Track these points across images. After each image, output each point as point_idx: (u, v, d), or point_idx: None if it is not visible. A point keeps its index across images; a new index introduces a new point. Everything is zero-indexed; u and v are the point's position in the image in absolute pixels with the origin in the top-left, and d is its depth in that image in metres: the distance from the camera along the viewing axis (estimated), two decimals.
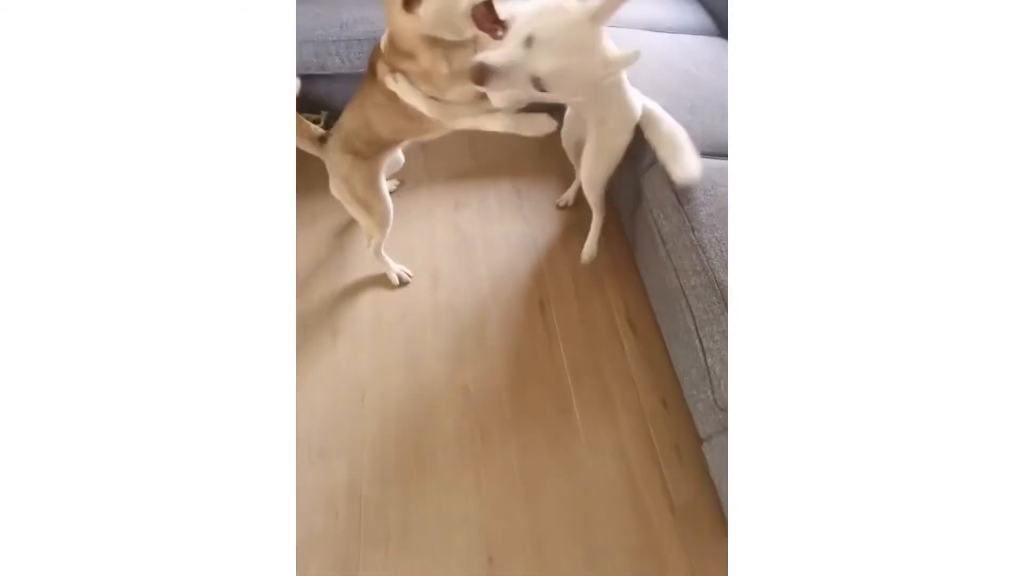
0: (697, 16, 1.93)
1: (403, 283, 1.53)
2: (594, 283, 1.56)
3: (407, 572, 1.07)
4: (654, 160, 1.33)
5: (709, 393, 1.14)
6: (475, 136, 1.89)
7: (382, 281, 1.54)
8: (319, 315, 1.46)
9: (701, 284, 1.13)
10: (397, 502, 1.16)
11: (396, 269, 1.52)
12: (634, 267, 1.60)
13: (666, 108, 1.31)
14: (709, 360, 1.08)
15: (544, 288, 1.56)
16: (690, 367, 1.24)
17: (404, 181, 1.79)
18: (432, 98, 1.04)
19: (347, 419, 1.28)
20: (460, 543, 1.11)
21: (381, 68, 1.06)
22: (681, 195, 1.23)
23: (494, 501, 1.17)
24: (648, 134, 1.27)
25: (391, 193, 1.73)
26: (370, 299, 1.51)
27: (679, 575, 1.09)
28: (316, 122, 1.57)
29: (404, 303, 1.50)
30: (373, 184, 1.28)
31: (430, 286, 1.54)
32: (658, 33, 1.78)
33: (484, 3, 0.82)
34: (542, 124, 1.03)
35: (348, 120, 1.21)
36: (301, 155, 1.07)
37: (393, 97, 1.07)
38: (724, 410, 1.09)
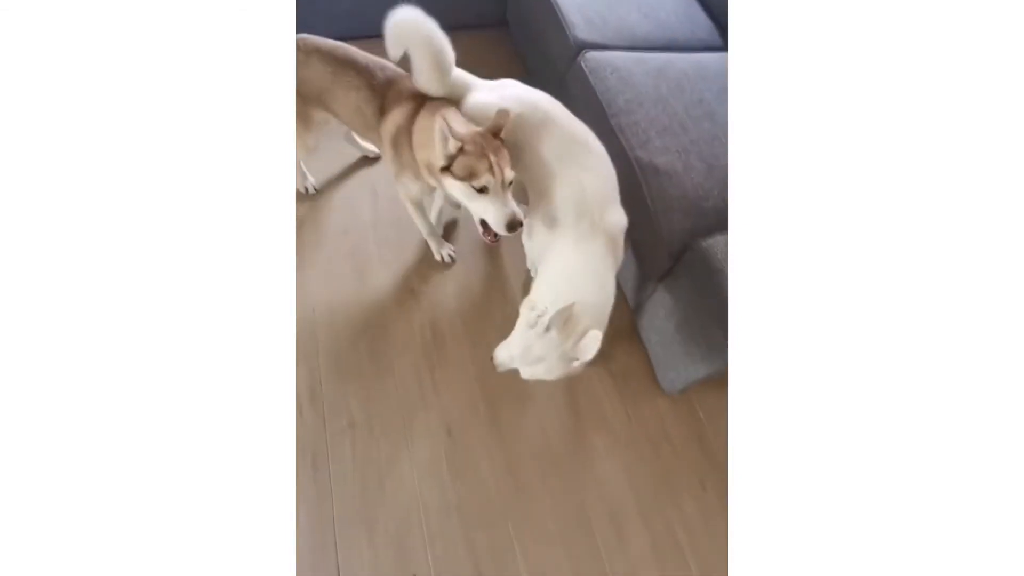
0: None
1: (308, 192, 1.55)
2: None
3: (375, 454, 1.16)
4: (573, 58, 1.38)
5: (635, 267, 1.26)
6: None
7: (320, 202, 1.54)
8: None
9: (623, 166, 1.21)
10: (357, 396, 1.23)
11: (309, 181, 1.54)
12: None
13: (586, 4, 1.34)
14: (634, 235, 1.19)
15: None
16: None
17: None
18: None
19: (300, 331, 1.31)
20: (420, 423, 1.21)
21: (398, 107, 1.09)
22: (599, 89, 1.29)
23: (448, 385, 1.26)
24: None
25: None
26: (308, 219, 1.51)
27: (618, 422, 1.24)
28: None
29: (345, 219, 1.52)
30: (308, 125, 1.26)
31: (370, 202, 1.56)
32: None
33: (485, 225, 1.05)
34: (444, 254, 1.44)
35: (315, 71, 1.13)
36: None
37: (364, 88, 1.10)
38: (649, 278, 1.21)
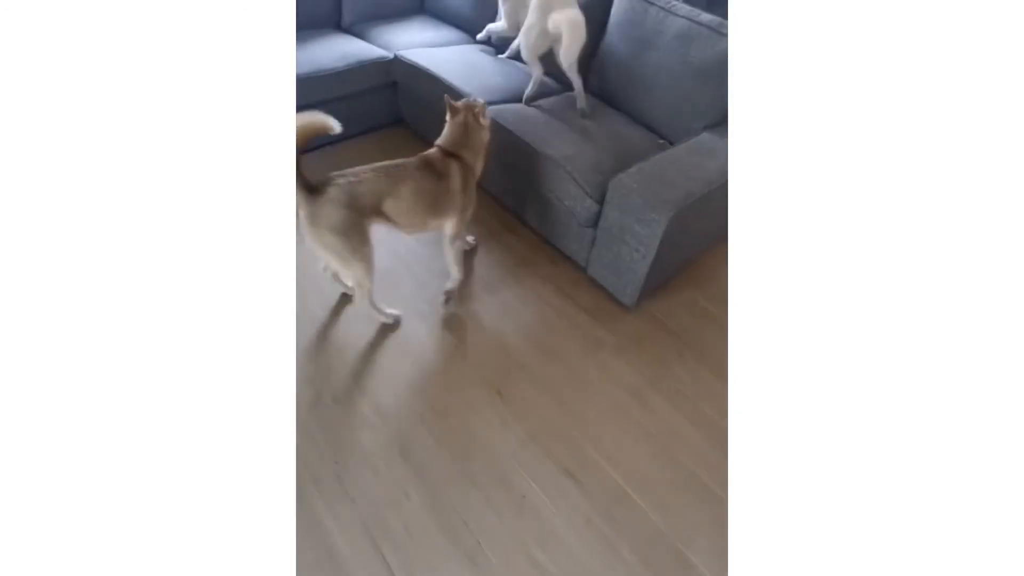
0: None
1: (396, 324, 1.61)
2: None
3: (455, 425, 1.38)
4: None
5: (574, 227, 1.72)
6: None
7: None
8: None
9: (535, 161, 1.70)
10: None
11: (389, 313, 1.59)
12: None
13: (464, 77, 1.87)
14: (561, 208, 1.66)
15: None
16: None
17: None
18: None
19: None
20: (476, 393, 1.46)
21: (446, 165, 1.47)
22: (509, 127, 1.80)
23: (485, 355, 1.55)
24: None
25: None
26: None
27: (607, 338, 1.65)
28: None
29: None
30: (366, 240, 1.37)
31: None
32: None
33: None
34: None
35: (370, 181, 1.32)
36: None
37: (436, 180, 1.45)
38: (583, 226, 1.68)
